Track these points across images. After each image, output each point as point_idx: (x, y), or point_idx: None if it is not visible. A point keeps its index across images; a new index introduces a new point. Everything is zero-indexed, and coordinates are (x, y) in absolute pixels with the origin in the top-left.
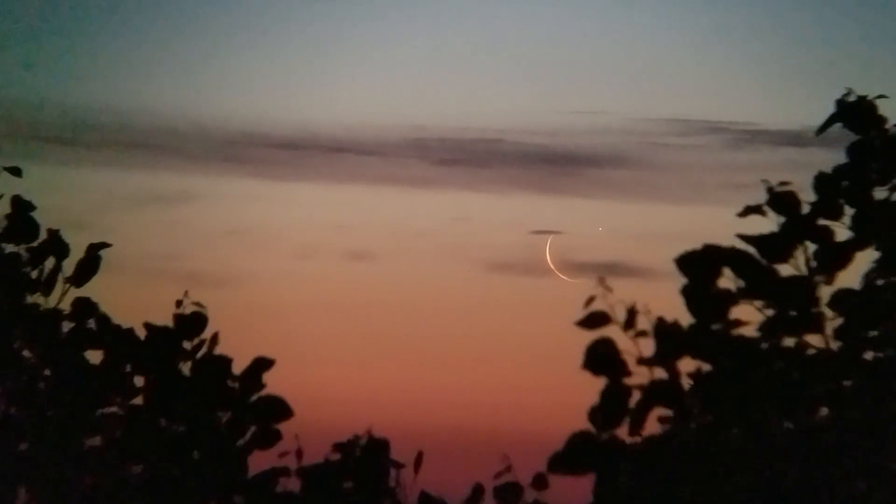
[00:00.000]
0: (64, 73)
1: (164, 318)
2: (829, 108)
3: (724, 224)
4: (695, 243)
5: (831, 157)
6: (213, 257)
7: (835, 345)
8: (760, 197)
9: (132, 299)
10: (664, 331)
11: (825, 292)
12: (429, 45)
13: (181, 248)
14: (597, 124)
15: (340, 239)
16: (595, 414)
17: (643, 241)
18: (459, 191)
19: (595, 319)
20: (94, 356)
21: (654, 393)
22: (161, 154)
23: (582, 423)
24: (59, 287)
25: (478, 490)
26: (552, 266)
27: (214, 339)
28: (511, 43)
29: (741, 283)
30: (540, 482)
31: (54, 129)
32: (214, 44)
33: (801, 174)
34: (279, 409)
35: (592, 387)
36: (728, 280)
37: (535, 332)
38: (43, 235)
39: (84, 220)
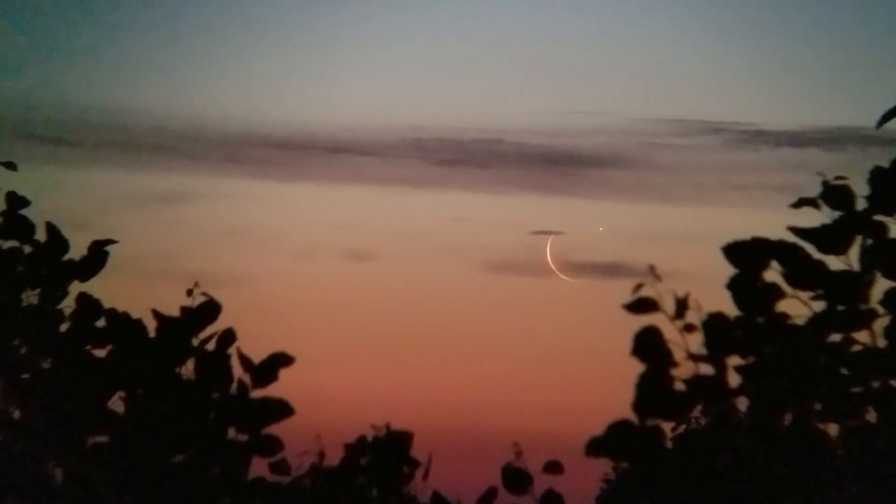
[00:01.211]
0: (63, 73)
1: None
2: (829, 108)
3: (724, 224)
4: (695, 243)
5: (831, 158)
6: (213, 257)
7: (882, 343)
8: (760, 197)
9: (131, 299)
10: (714, 325)
11: (877, 289)
12: (428, 46)
13: (181, 248)
14: (597, 124)
15: (340, 239)
16: (637, 403)
17: (643, 241)
18: (459, 191)
19: (643, 305)
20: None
21: (699, 388)
22: (161, 154)
23: (584, 422)
24: (58, 284)
25: (490, 493)
26: (553, 266)
27: (229, 335)
28: (511, 43)
29: (789, 277)
30: (553, 468)
31: (54, 130)
32: (215, 44)
33: (800, 174)
34: (279, 409)
35: (593, 387)
36: (775, 273)
37: (535, 332)
38: (37, 232)
39: (83, 220)
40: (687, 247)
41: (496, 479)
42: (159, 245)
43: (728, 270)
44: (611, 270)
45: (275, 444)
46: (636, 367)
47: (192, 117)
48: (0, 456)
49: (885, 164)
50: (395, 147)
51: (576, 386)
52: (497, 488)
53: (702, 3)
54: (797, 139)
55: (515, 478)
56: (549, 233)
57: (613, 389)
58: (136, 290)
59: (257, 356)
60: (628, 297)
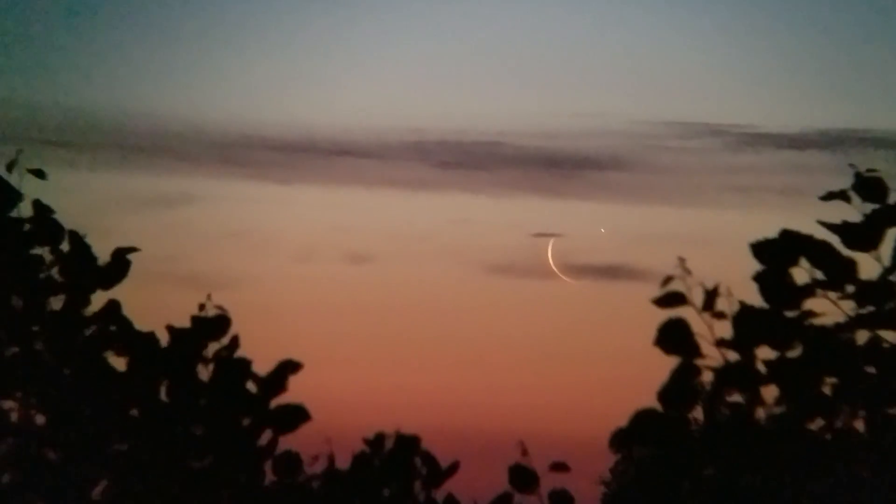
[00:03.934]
0: (65, 76)
1: (166, 321)
2: (829, 110)
3: (724, 226)
4: (695, 245)
5: (830, 159)
6: (213, 259)
7: None
8: (760, 199)
9: (131, 301)
10: (745, 316)
11: None
12: (428, 49)
13: (181, 250)
14: (597, 127)
15: (340, 241)
16: (665, 393)
17: (644, 243)
18: (459, 193)
19: (671, 299)
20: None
21: (728, 376)
22: (161, 157)
23: (586, 423)
24: (83, 291)
25: (505, 497)
26: (554, 268)
27: (234, 341)
28: (511, 46)
29: (817, 274)
30: (559, 467)
31: (54, 132)
32: (215, 47)
33: (800, 176)
34: (297, 415)
35: (594, 388)
36: (804, 270)
37: (536, 333)
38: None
39: (84, 222)
40: (687, 248)
41: (498, 478)
42: (159, 247)
43: (725, 272)
44: (611, 272)
45: (292, 460)
46: (637, 368)
47: (192, 120)
48: (21, 459)
49: (884, 166)
50: (395, 149)
51: (577, 387)
52: (512, 493)
53: (701, 6)
54: (797, 141)
55: (523, 477)
56: (550, 235)
57: (615, 390)
58: (136, 292)
59: (258, 358)
60: (658, 293)
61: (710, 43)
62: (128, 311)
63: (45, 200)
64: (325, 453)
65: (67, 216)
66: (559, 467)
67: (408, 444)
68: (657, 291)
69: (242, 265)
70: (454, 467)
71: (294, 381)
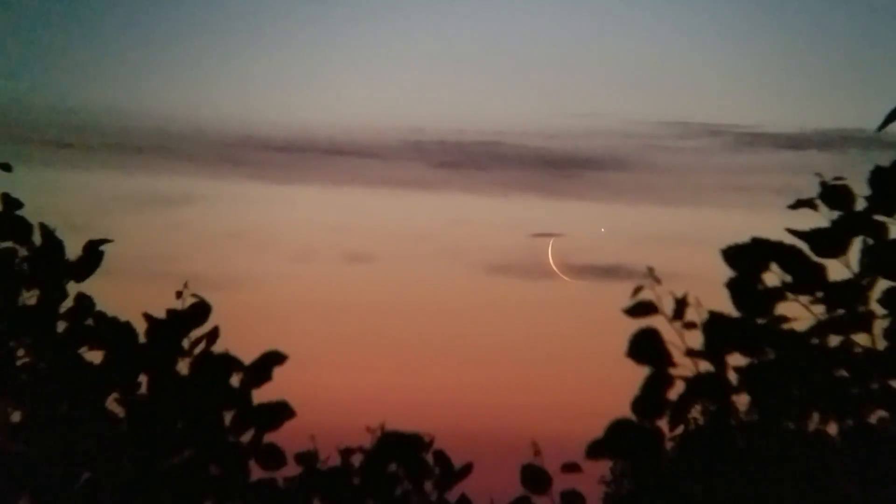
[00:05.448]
0: (61, 75)
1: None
2: (829, 111)
3: (723, 226)
4: (695, 245)
5: (831, 160)
6: (212, 259)
7: (882, 345)
8: (759, 199)
9: (130, 301)
10: (715, 324)
11: (876, 289)
12: (428, 48)
13: (180, 250)
14: (596, 127)
15: (339, 241)
16: (637, 403)
17: (643, 243)
18: (459, 193)
19: (642, 308)
20: (93, 355)
21: (699, 386)
22: (160, 156)
23: (586, 425)
24: (54, 284)
25: (524, 501)
26: (554, 268)
27: (214, 333)
28: (510, 45)
29: (788, 279)
30: (571, 468)
31: (52, 132)
32: (214, 46)
33: (800, 176)
34: (281, 410)
35: (594, 389)
36: (774, 275)
37: (536, 334)
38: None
39: (82, 222)
40: (687, 249)
41: (499, 479)
42: (158, 247)
43: (728, 273)
44: (611, 272)
45: (277, 455)
46: (638, 369)
47: (191, 119)
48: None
49: (886, 165)
50: (395, 149)
51: (577, 388)
52: (529, 497)
53: (701, 5)
54: (797, 141)
55: (535, 477)
56: (549, 235)
57: (615, 392)
58: (135, 292)
59: (267, 349)
60: (628, 301)
61: (709, 43)
62: (126, 311)
63: (46, 200)
64: (334, 456)
65: (67, 216)
66: (571, 468)
67: (398, 441)
68: (654, 291)
69: (242, 265)
70: (467, 469)
71: (293, 381)
